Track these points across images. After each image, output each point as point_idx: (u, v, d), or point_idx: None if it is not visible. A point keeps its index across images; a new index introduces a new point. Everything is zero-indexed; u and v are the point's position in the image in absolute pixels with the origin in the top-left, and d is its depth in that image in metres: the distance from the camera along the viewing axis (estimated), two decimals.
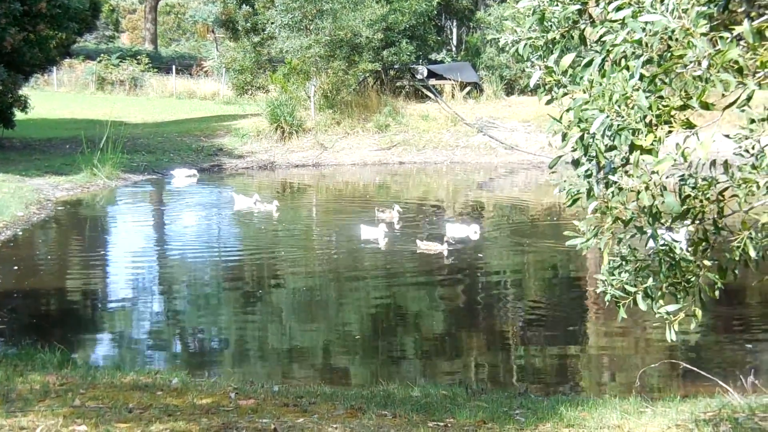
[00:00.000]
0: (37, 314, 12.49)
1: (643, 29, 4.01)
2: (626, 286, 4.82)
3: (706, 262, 4.80)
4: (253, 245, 17.31)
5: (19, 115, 27.78)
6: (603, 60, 4.33)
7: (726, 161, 4.68)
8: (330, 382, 9.02)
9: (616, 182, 4.48)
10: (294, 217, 20.92)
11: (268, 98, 33.25)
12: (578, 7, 4.69)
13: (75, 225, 19.76)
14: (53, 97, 44.04)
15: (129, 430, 5.87)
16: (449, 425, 6.45)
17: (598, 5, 4.54)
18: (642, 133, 4.10)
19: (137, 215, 21.60)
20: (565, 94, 4.73)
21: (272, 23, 33.92)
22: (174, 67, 50.07)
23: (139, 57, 50.88)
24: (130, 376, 8.13)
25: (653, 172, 4.25)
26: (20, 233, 17.75)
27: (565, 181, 4.75)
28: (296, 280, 14.43)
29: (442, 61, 37.43)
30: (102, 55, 51.00)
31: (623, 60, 4.20)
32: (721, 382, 7.37)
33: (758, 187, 4.57)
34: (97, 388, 7.34)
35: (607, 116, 4.13)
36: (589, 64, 4.40)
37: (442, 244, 15.71)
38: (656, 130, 4.13)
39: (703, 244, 4.85)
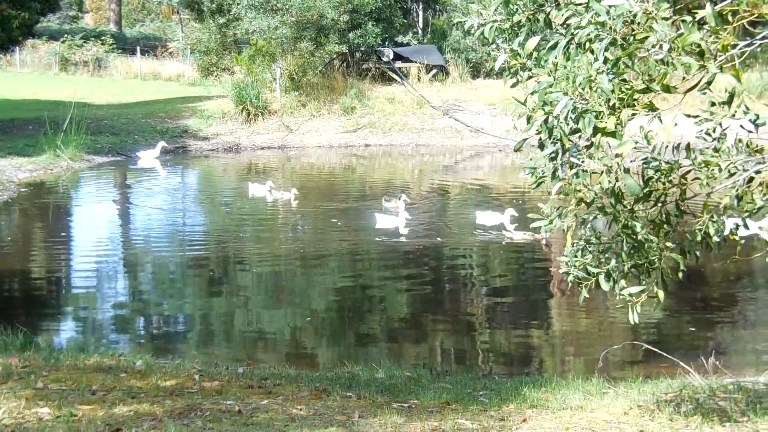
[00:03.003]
0: None
1: (607, 12, 4.03)
2: (589, 268, 4.87)
3: (669, 245, 4.86)
4: (265, 234, 16.71)
5: None
6: (568, 43, 4.35)
7: (689, 144, 4.73)
8: (296, 364, 9.01)
9: (579, 165, 4.51)
10: (303, 204, 19.55)
11: (234, 80, 33.09)
12: None
13: (38, 207, 19.55)
14: (16, 78, 43.57)
15: (92, 412, 5.84)
16: (413, 406, 6.47)
17: None
18: (605, 115, 4.13)
19: (103, 197, 21.39)
20: (530, 77, 4.75)
21: (238, 4, 33.69)
22: (138, 48, 49.58)
23: (103, 38, 50.36)
24: (93, 358, 8.08)
25: (617, 155, 4.29)
26: None
27: (531, 159, 4.78)
28: (312, 268, 14.29)
29: (408, 44, 37.39)
30: (65, 35, 50.47)
31: (588, 43, 4.23)
32: (682, 363, 7.46)
33: (720, 170, 4.62)
34: (60, 370, 7.29)
35: (571, 99, 4.16)
36: (554, 47, 4.42)
37: (538, 233, 14.21)
38: (619, 113, 4.16)
39: (665, 226, 4.90)
